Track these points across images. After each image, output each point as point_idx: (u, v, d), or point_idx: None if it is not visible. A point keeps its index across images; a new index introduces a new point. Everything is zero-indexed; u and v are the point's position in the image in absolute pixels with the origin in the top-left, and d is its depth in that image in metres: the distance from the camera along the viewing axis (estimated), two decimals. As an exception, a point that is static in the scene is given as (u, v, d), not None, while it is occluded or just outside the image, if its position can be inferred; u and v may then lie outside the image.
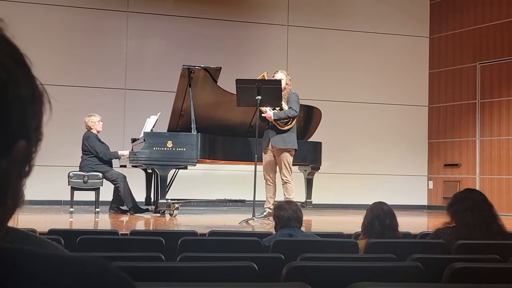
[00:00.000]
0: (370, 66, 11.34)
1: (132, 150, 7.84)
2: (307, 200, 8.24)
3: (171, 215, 7.27)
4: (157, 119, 7.86)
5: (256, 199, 6.68)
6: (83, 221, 7.19)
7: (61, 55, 9.98)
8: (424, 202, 11.58)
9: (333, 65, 11.24)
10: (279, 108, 6.92)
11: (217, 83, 7.55)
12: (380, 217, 3.50)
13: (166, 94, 9.13)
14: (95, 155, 7.79)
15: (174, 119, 7.77)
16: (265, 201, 7.15)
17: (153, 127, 7.74)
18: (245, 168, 8.37)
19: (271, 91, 6.65)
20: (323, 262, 2.49)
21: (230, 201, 8.58)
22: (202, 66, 7.45)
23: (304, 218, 3.87)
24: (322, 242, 3.47)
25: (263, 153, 7.06)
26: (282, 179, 6.97)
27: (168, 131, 7.63)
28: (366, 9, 11.45)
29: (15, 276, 0.61)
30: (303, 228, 3.78)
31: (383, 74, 11.43)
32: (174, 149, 7.19)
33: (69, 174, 7.71)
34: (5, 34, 0.68)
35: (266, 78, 6.94)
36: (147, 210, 8.00)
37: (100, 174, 7.72)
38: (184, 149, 7.21)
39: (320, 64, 11.15)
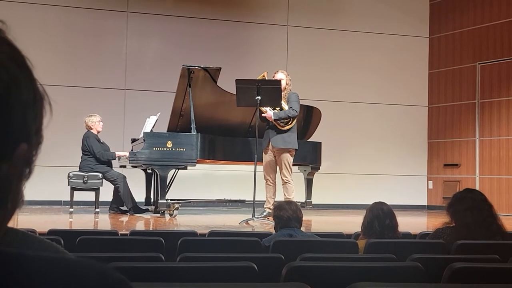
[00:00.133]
0: (370, 66, 11.35)
1: (132, 150, 7.84)
2: (307, 200, 8.24)
3: (171, 215, 7.27)
4: (157, 119, 7.86)
5: (256, 199, 6.68)
6: (83, 221, 7.19)
7: (61, 56, 9.98)
8: (424, 202, 11.58)
9: (333, 65, 11.24)
10: (279, 108, 6.92)
11: (217, 83, 7.56)
12: (380, 217, 3.50)
13: (166, 94, 9.13)
14: (93, 155, 7.79)
15: (174, 119, 7.77)
16: (265, 201, 7.15)
17: (153, 127, 7.74)
18: (245, 168, 8.37)
19: (271, 91, 6.65)
20: (323, 262, 2.49)
21: (230, 201, 8.58)
22: (202, 66, 7.45)
23: (304, 218, 3.87)
24: (322, 242, 3.47)
25: (263, 153, 7.06)
26: (282, 179, 6.97)
27: (168, 131, 7.63)
28: (366, 9, 11.45)
29: (14, 279, 0.61)
30: (303, 228, 3.78)
31: (383, 74, 11.43)
32: (174, 149, 7.19)
33: (69, 174, 7.71)
34: (6, 36, 0.68)
35: (266, 78, 6.94)
36: (147, 210, 8.00)
37: (100, 175, 7.72)
38: (184, 149, 7.21)
39: (320, 64, 11.15)
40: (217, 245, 3.35)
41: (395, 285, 1.91)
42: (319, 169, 8.32)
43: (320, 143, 8.24)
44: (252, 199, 6.67)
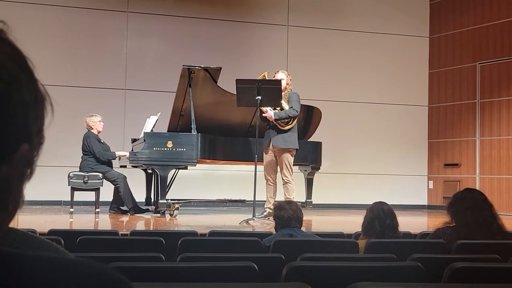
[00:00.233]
0: (370, 66, 11.34)
1: (132, 150, 7.84)
2: (307, 200, 8.24)
3: (171, 215, 7.27)
4: (157, 119, 7.86)
5: (256, 199, 6.68)
6: (83, 221, 7.20)
7: (61, 56, 9.98)
8: (424, 202, 11.58)
9: (333, 65, 11.24)
10: (279, 108, 6.92)
11: (217, 83, 7.56)
12: (380, 217, 3.50)
13: (166, 94, 9.13)
14: (93, 155, 7.80)
15: (174, 119, 7.77)
16: (265, 201, 7.15)
17: (153, 127, 7.74)
18: (245, 168, 8.37)
19: (271, 91, 6.65)
20: (323, 262, 2.49)
21: (230, 201, 8.58)
22: (202, 66, 7.45)
23: (304, 218, 3.87)
24: (322, 242, 3.47)
25: (264, 153, 7.06)
26: (283, 179, 6.97)
27: (168, 131, 7.63)
28: (366, 9, 11.45)
29: (15, 279, 0.61)
30: (303, 228, 3.78)
31: (383, 74, 11.43)
32: (174, 149, 7.19)
33: (69, 174, 7.71)
34: (7, 37, 0.68)
35: (267, 78, 6.94)
36: (147, 210, 8.00)
37: (100, 175, 7.72)
38: (184, 149, 7.21)
39: (320, 64, 11.15)
40: (218, 245, 3.35)
41: (396, 285, 1.91)
42: (319, 169, 8.32)
43: (321, 143, 8.24)
44: (253, 199, 6.68)
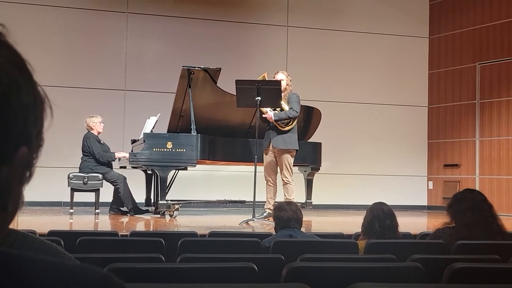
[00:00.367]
0: (370, 66, 11.35)
1: (132, 151, 7.84)
2: (307, 200, 8.24)
3: (171, 216, 7.27)
4: (157, 120, 7.86)
5: (256, 200, 6.68)
6: (83, 222, 7.20)
7: (61, 57, 9.98)
8: (424, 202, 11.58)
9: (332, 65, 11.24)
10: (279, 108, 6.92)
11: (217, 84, 7.56)
12: (380, 217, 3.50)
13: (166, 95, 9.14)
14: (93, 156, 7.80)
15: (174, 120, 7.78)
16: (265, 202, 7.15)
17: (153, 128, 7.74)
18: (245, 169, 8.36)
19: (271, 91, 6.65)
20: (323, 263, 2.50)
21: (230, 202, 8.58)
22: (201, 67, 7.46)
23: (304, 218, 3.87)
24: (322, 242, 3.47)
25: (264, 154, 7.06)
26: (283, 180, 6.97)
27: (168, 132, 7.63)
28: (365, 9, 11.45)
29: (15, 281, 0.61)
30: (303, 229, 3.78)
31: (383, 74, 11.44)
32: (174, 150, 7.19)
33: (69, 175, 7.71)
34: (7, 40, 0.68)
35: (267, 79, 6.94)
36: (147, 211, 8.00)
37: (100, 175, 7.72)
38: (184, 150, 7.21)
39: (320, 64, 11.15)
40: (217, 246, 3.35)
41: (396, 285, 1.91)
42: (319, 169, 8.32)
43: (320, 143, 8.24)
44: (252, 200, 6.68)
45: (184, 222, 6.98)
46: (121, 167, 8.40)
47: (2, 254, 0.62)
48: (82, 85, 10.03)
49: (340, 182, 10.87)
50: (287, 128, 6.95)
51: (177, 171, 7.75)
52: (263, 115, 6.89)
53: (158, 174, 7.33)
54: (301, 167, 8.25)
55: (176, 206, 7.39)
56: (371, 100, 11.33)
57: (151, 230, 6.34)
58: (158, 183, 7.45)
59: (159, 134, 7.42)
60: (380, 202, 3.64)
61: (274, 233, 3.84)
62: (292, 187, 6.97)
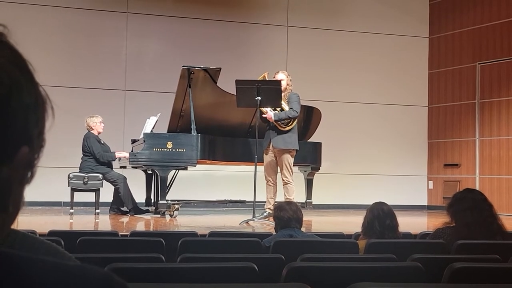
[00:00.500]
0: (370, 66, 11.35)
1: (132, 151, 7.84)
2: (307, 200, 8.24)
3: (171, 216, 7.27)
4: (157, 120, 7.86)
5: (256, 200, 6.68)
6: (83, 222, 7.20)
7: (61, 57, 9.98)
8: (424, 202, 11.58)
9: (332, 65, 11.24)
10: (279, 108, 6.92)
11: (217, 84, 7.56)
12: (380, 217, 3.50)
13: (166, 95, 9.14)
14: (93, 156, 7.80)
15: (174, 120, 7.78)
16: (265, 202, 7.15)
17: (153, 128, 7.74)
18: (245, 169, 8.36)
19: (271, 91, 6.65)
20: (323, 263, 2.50)
21: (230, 201, 8.58)
22: (201, 67, 7.46)
23: (304, 218, 3.87)
24: (322, 242, 3.47)
25: (264, 154, 7.06)
26: (283, 180, 6.97)
27: (168, 132, 7.64)
28: (365, 9, 11.45)
29: (17, 283, 0.61)
30: (303, 229, 3.78)
31: (383, 74, 11.44)
32: (174, 150, 7.19)
33: (69, 175, 7.71)
34: (8, 40, 0.68)
35: (267, 79, 6.94)
36: (147, 211, 8.00)
37: (100, 175, 7.72)
38: (184, 150, 7.21)
39: (320, 64, 11.15)
40: (218, 246, 3.35)
41: (396, 285, 1.91)
42: (319, 169, 8.32)
43: (320, 143, 8.24)
44: (253, 200, 6.68)
45: (184, 222, 6.98)
46: (121, 167, 8.40)
47: (2, 255, 0.63)
48: (82, 85, 10.03)
49: (340, 182, 10.87)
50: (287, 128, 6.95)
51: (177, 171, 7.75)
52: (263, 115, 6.89)
53: (158, 174, 7.33)
54: (301, 167, 8.25)
55: (176, 206, 7.40)
56: (371, 100, 11.33)
57: (151, 230, 6.34)
58: (158, 183, 7.45)
59: (159, 134, 7.42)
60: (380, 202, 3.64)
61: (274, 233, 3.84)
62: (292, 187, 6.97)
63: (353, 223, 5.43)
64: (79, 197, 7.88)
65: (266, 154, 7.06)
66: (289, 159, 6.96)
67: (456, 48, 11.37)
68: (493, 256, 2.73)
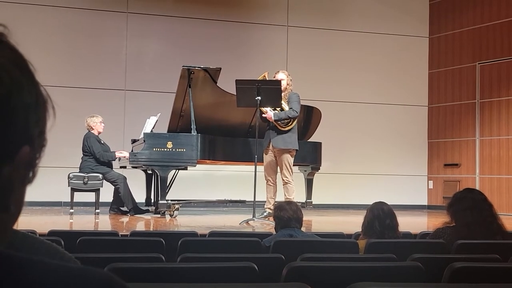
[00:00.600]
0: (370, 66, 11.35)
1: (132, 151, 7.84)
2: (307, 200, 8.24)
3: (171, 215, 7.27)
4: (157, 120, 7.86)
5: (256, 200, 6.68)
6: (83, 222, 7.20)
7: (61, 57, 9.98)
8: (424, 202, 11.58)
9: (332, 65, 11.24)
10: (279, 108, 6.92)
11: (217, 84, 7.56)
12: (380, 217, 3.50)
13: (166, 95, 9.14)
14: (93, 155, 7.80)
15: (174, 120, 7.78)
16: (265, 202, 7.15)
17: (153, 128, 7.74)
18: (245, 169, 8.37)
19: (271, 91, 6.65)
20: (323, 262, 2.50)
21: (230, 201, 8.58)
22: (201, 66, 7.46)
23: (304, 218, 3.87)
24: (322, 242, 3.47)
25: (264, 154, 7.06)
26: (283, 180, 6.97)
27: (168, 132, 7.64)
28: (365, 9, 11.45)
29: (17, 284, 0.61)
30: (303, 229, 3.78)
31: (383, 74, 11.44)
32: (174, 150, 7.19)
33: (69, 175, 7.71)
34: (8, 40, 0.68)
35: (267, 79, 6.94)
36: (147, 211, 8.00)
37: (100, 175, 7.72)
38: (184, 150, 7.21)
39: (320, 64, 11.16)
40: (218, 246, 3.35)
41: (396, 285, 1.91)
42: (319, 169, 8.32)
43: (320, 143, 8.24)
44: (253, 200, 6.68)
45: (184, 222, 6.98)
46: (121, 167, 8.40)
47: (2, 256, 0.63)
48: (82, 85, 10.03)
49: (340, 182, 10.87)
50: (287, 128, 6.95)
51: (177, 171, 7.75)
52: (263, 115, 6.89)
53: (158, 174, 7.33)
54: (301, 166, 8.25)
55: (176, 206, 7.40)
56: (371, 99, 11.33)
57: (151, 230, 6.34)
58: (158, 183, 7.45)
59: (159, 134, 7.42)
60: (380, 202, 3.64)
61: (274, 232, 3.84)
62: (292, 187, 6.97)
63: (353, 223, 5.43)
64: (79, 197, 7.88)
65: (266, 154, 7.06)
66: (289, 159, 6.96)
67: (456, 48, 11.37)
68: (493, 256, 2.73)
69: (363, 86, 11.29)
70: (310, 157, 8.07)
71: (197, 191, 9.66)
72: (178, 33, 10.60)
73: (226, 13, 10.83)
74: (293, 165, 7.13)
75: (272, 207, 6.41)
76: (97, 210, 7.70)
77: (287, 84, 6.99)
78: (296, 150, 7.05)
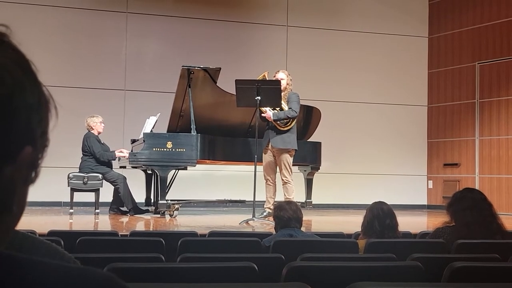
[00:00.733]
0: (370, 66, 11.35)
1: (131, 151, 7.84)
2: (307, 200, 8.24)
3: (171, 215, 7.27)
4: (156, 120, 7.86)
5: (256, 200, 6.68)
6: (83, 222, 7.20)
7: (61, 57, 9.98)
8: (424, 201, 11.58)
9: (332, 65, 11.25)
10: (279, 108, 6.92)
11: (217, 84, 7.56)
12: (380, 217, 3.50)
13: (166, 95, 9.13)
14: (93, 155, 7.80)
15: (173, 120, 7.78)
16: (265, 202, 7.15)
17: (153, 128, 7.74)
18: (245, 169, 8.37)
19: (271, 91, 6.65)
20: (323, 262, 2.50)
21: (230, 201, 8.58)
22: (201, 66, 7.45)
23: (304, 218, 3.87)
24: (322, 242, 3.47)
25: (263, 154, 7.06)
26: (282, 179, 6.97)
27: (167, 131, 7.63)
28: (365, 9, 11.45)
29: (18, 285, 0.61)
30: (303, 228, 3.78)
31: (382, 74, 11.44)
32: (173, 149, 7.19)
33: (68, 175, 7.71)
34: (11, 41, 0.68)
35: (267, 78, 6.93)
36: (147, 211, 8.00)
37: (100, 175, 7.72)
38: (184, 150, 7.21)
39: (320, 64, 11.16)
40: (217, 246, 3.35)
41: (396, 284, 1.91)
42: (319, 169, 8.32)
43: (320, 143, 8.24)
44: (252, 199, 6.68)
45: (184, 222, 6.98)
46: (121, 167, 8.40)
47: (3, 256, 0.63)
48: (82, 85, 10.03)
49: (340, 182, 10.88)
50: (286, 128, 6.95)
51: (177, 171, 7.75)
52: (262, 114, 6.89)
53: (158, 174, 7.33)
54: (301, 166, 8.25)
55: (176, 206, 7.40)
56: (371, 99, 11.33)
57: (151, 230, 6.34)
58: (158, 183, 7.45)
59: (159, 134, 7.42)
60: (380, 202, 3.64)
61: (274, 232, 3.84)
62: (292, 187, 6.97)
63: (353, 223, 5.43)
64: (79, 197, 7.88)
65: (265, 154, 7.06)
66: (288, 158, 6.96)
67: (456, 48, 11.38)
68: (492, 256, 2.73)
69: (363, 86, 11.29)
70: (310, 157, 8.07)
71: (197, 191, 9.66)
72: (178, 33, 10.60)
73: (226, 13, 10.83)
74: (293, 165, 7.13)
75: (271, 207, 6.41)
76: (97, 210, 7.70)
77: (287, 84, 6.99)
78: (295, 150, 7.05)
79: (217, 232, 4.34)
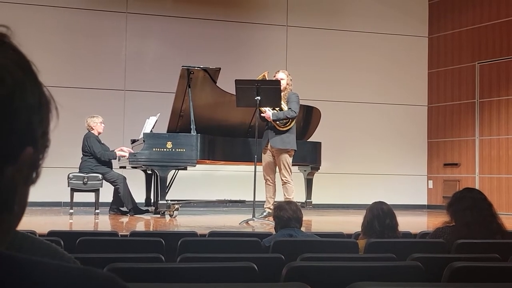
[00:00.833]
0: (369, 66, 11.35)
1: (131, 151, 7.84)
2: (307, 200, 8.24)
3: (171, 216, 7.27)
4: (156, 120, 7.86)
5: (256, 200, 6.68)
6: (83, 222, 7.19)
7: (61, 57, 9.98)
8: (424, 201, 11.58)
9: (332, 65, 11.25)
10: (278, 108, 6.92)
11: (217, 84, 7.56)
12: (380, 216, 3.50)
13: (166, 95, 9.14)
14: (93, 155, 7.79)
15: (173, 120, 7.77)
16: (265, 202, 7.15)
17: (153, 128, 7.74)
18: (245, 169, 8.37)
19: (271, 91, 6.65)
20: (323, 262, 2.50)
21: (230, 201, 8.58)
22: (201, 66, 7.45)
23: (304, 218, 3.87)
24: (322, 242, 3.47)
25: (262, 154, 7.06)
26: (282, 180, 6.97)
27: (167, 132, 7.63)
28: (365, 9, 11.45)
29: (18, 286, 0.61)
30: (303, 228, 3.78)
31: (382, 74, 11.44)
32: (173, 150, 7.19)
33: (68, 175, 7.71)
34: (11, 41, 0.68)
35: (267, 78, 6.93)
36: (147, 211, 8.00)
37: (100, 175, 7.71)
38: (184, 150, 7.21)
39: (319, 64, 11.16)
40: (217, 246, 3.35)
41: (396, 284, 1.91)
42: (319, 169, 8.32)
43: (320, 143, 8.24)
44: (252, 200, 6.68)
45: (184, 222, 6.98)
46: (121, 167, 8.40)
47: (3, 256, 0.63)
48: (82, 85, 10.03)
49: (340, 182, 10.88)
50: (285, 128, 6.94)
51: (177, 171, 7.75)
52: (262, 114, 6.89)
53: (158, 174, 7.33)
54: (301, 166, 8.25)
55: (176, 206, 7.39)
56: (371, 99, 11.33)
57: (151, 230, 6.34)
58: (158, 183, 7.45)
59: (159, 134, 7.42)
60: (380, 202, 3.64)
61: (274, 232, 3.84)
62: (292, 187, 6.97)
63: (353, 223, 5.43)
64: (79, 197, 7.88)
65: (265, 154, 7.06)
66: (287, 158, 6.96)
67: (456, 48, 11.38)
68: (493, 255, 2.73)
69: (363, 86, 11.29)
70: (309, 157, 8.07)
71: (196, 191, 9.66)
72: (177, 33, 10.60)
73: (226, 13, 10.83)
74: (293, 165, 7.13)
75: (271, 207, 6.41)
76: (96, 211, 7.70)
77: (287, 84, 6.99)
78: (294, 150, 7.05)
79: (217, 232, 4.33)
